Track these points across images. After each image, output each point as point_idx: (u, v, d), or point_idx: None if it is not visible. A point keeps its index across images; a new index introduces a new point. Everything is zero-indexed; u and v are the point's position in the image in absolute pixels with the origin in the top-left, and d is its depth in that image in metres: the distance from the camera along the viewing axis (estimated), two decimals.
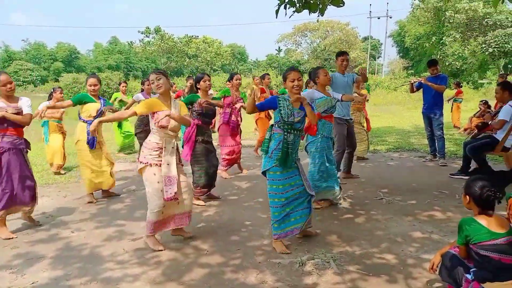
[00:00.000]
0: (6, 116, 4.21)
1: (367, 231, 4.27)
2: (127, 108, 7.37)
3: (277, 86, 28.37)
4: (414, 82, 7.73)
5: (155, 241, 3.95)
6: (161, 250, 3.86)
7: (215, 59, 51.72)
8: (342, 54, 5.89)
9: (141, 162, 3.89)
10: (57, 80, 42.79)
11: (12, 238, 4.28)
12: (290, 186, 3.82)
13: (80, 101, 5.44)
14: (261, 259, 3.64)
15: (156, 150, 3.85)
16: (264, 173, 3.93)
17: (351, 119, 6.14)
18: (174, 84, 10.41)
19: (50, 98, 7.40)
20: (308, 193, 3.88)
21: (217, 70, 54.16)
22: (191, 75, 9.71)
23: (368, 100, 8.38)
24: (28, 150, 4.61)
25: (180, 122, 3.91)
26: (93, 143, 5.41)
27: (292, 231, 3.87)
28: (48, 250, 3.95)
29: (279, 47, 62.26)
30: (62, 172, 7.36)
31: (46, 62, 62.25)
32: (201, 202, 5.36)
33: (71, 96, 21.39)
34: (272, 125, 3.92)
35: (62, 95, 7.45)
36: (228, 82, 7.23)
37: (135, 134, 7.96)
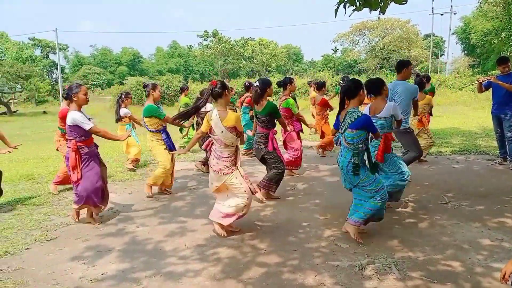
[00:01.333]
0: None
1: (431, 236, 4.09)
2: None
3: (333, 86, 27.88)
4: (483, 81, 7.28)
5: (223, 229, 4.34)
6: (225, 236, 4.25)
7: (270, 60, 52.00)
8: (411, 63, 5.79)
9: (225, 174, 4.16)
10: (122, 83, 45.16)
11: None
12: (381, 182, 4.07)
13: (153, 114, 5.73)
14: (319, 261, 3.62)
15: (232, 157, 4.21)
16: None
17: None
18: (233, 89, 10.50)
19: (120, 102, 7.77)
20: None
21: (272, 71, 54.39)
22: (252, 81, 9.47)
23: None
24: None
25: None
26: (172, 146, 5.83)
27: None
28: (115, 244, 4.20)
29: (335, 47, 61.15)
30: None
31: (112, 66, 65.85)
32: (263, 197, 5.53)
33: (134, 99, 22.50)
34: (358, 148, 3.94)
35: (131, 100, 7.91)
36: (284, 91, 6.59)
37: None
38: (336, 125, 4.14)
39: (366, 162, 4.04)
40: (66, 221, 4.96)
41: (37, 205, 5.67)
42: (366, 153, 4.02)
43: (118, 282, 3.36)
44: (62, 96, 6.54)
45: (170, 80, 31.55)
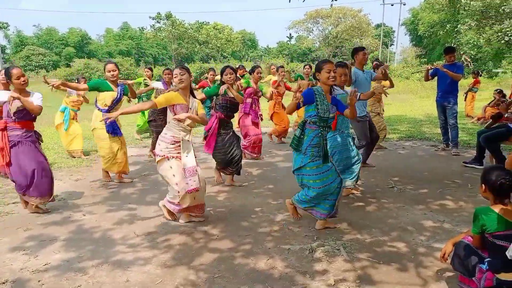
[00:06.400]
0: (20, 99, 4.24)
1: (378, 219, 4.24)
2: (142, 92, 7.74)
3: (288, 73, 28.04)
4: (430, 68, 7.61)
5: (170, 212, 4.23)
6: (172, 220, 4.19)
7: (225, 45, 51.50)
8: (363, 48, 5.81)
9: (157, 155, 3.99)
10: (68, 66, 42.88)
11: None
12: (327, 179, 3.83)
13: (97, 88, 5.36)
14: (271, 245, 3.65)
15: (173, 144, 3.97)
16: (294, 170, 3.95)
17: (367, 113, 6.03)
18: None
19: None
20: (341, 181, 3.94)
21: (227, 56, 53.91)
22: (212, 67, 9.33)
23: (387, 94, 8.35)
24: (40, 142, 4.64)
25: (200, 122, 4.10)
26: (113, 131, 5.43)
27: (317, 213, 3.95)
28: (60, 233, 4.00)
29: (290, 34, 61.57)
30: (83, 156, 7.50)
31: (58, 47, 62.34)
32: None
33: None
34: (304, 121, 3.86)
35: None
36: (249, 75, 7.40)
37: (148, 122, 7.92)
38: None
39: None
40: (6, 209, 4.67)
41: None
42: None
43: (62, 272, 3.20)
44: None
45: (120, 63, 30.43)
